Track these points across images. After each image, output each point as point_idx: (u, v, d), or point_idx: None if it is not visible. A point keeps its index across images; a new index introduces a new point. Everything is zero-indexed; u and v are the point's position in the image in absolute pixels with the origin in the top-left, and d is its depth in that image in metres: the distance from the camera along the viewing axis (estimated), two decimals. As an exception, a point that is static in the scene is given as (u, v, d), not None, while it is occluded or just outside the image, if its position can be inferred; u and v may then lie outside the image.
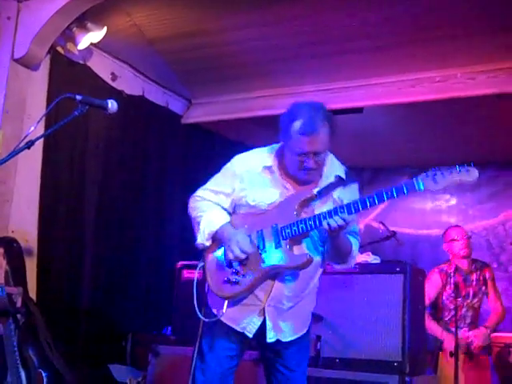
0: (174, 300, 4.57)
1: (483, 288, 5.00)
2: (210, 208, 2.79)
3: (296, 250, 2.66)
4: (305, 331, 2.86)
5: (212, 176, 2.93)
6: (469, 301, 4.95)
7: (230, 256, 2.66)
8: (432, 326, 4.77)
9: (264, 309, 2.70)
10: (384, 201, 2.49)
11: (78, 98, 2.56)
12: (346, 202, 2.58)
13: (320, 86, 5.72)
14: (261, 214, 2.72)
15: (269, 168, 2.75)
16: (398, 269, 3.93)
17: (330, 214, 2.53)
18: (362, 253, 4.43)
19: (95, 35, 4.77)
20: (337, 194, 2.73)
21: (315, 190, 2.69)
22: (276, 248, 2.65)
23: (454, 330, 4.49)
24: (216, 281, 2.71)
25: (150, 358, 4.34)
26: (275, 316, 2.72)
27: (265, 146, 2.90)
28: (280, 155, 2.77)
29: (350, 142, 6.62)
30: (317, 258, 2.73)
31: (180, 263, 4.53)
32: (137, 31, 5.01)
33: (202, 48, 5.20)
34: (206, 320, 2.72)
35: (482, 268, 5.02)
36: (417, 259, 7.03)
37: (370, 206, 2.49)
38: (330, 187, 2.71)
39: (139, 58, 5.51)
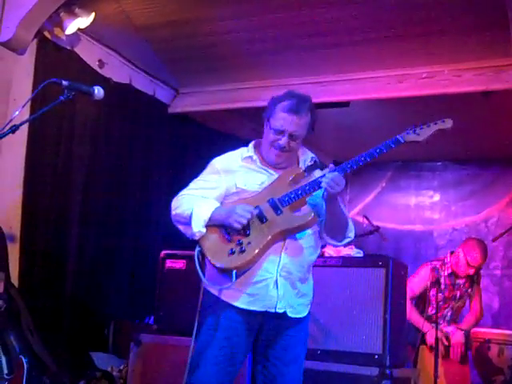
0: (157, 289, 4.57)
1: (469, 290, 5.02)
2: (197, 200, 2.78)
3: (298, 212, 2.70)
4: (306, 314, 2.85)
5: (197, 166, 2.95)
6: (454, 302, 4.98)
7: (235, 224, 2.64)
8: (415, 317, 4.76)
9: (277, 280, 2.70)
10: (376, 157, 2.69)
11: (64, 83, 2.55)
12: None
13: (307, 79, 5.73)
14: (253, 196, 2.74)
15: (250, 157, 2.85)
16: (380, 263, 3.95)
17: (328, 175, 2.61)
18: (345, 246, 4.46)
19: (83, 21, 4.73)
20: (318, 174, 2.78)
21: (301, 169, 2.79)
22: (277, 215, 2.68)
23: (434, 325, 4.53)
24: (221, 256, 2.66)
25: (131, 346, 4.33)
26: (286, 286, 2.72)
27: (250, 136, 2.94)
28: (258, 146, 2.87)
29: (336, 136, 6.65)
30: (314, 228, 2.78)
31: (163, 252, 4.52)
32: (125, 18, 4.97)
33: (191, 37, 5.19)
34: (219, 288, 2.69)
35: (474, 275, 4.99)
36: (400, 254, 7.09)
37: (363, 163, 2.67)
38: (312, 167, 2.78)
39: (127, 45, 5.47)
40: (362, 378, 3.71)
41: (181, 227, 2.80)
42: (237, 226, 2.64)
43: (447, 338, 4.77)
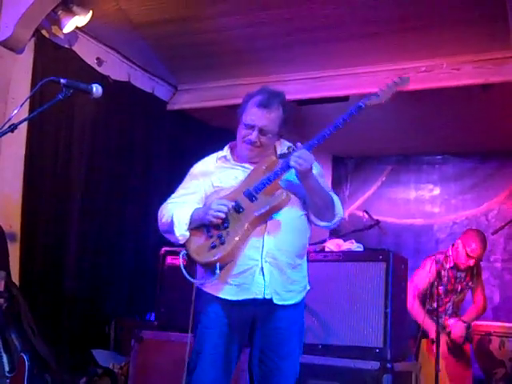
0: (158, 286, 4.58)
1: (470, 283, 5.04)
2: (178, 207, 2.83)
3: (273, 195, 2.73)
4: (296, 301, 2.84)
5: (196, 163, 2.99)
6: (455, 296, 4.99)
7: (213, 219, 2.67)
8: (418, 312, 4.75)
9: (262, 267, 2.72)
10: (340, 127, 2.74)
11: (63, 81, 2.55)
12: None
13: (307, 74, 5.73)
14: (231, 191, 2.79)
15: (223, 157, 2.91)
16: (380, 257, 3.96)
17: (295, 153, 2.66)
18: (345, 241, 4.46)
19: (81, 19, 4.73)
20: None
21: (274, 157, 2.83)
22: (252, 202, 2.71)
23: (435, 318, 4.53)
24: (203, 252, 2.70)
25: (133, 343, 4.34)
26: (274, 273, 2.73)
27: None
28: (233, 147, 2.92)
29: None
30: (299, 211, 2.81)
31: (163, 249, 4.52)
32: (123, 16, 4.96)
33: (189, 34, 5.18)
34: (203, 282, 2.73)
35: (473, 265, 5.00)
36: (400, 248, 7.08)
37: (329, 135, 2.72)
38: (286, 154, 2.79)
39: (125, 43, 5.47)
40: (363, 372, 3.71)
41: (167, 235, 2.86)
42: (215, 220, 2.68)
43: (448, 333, 4.79)
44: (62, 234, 4.96)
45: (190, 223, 2.75)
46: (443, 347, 4.60)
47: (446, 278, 4.88)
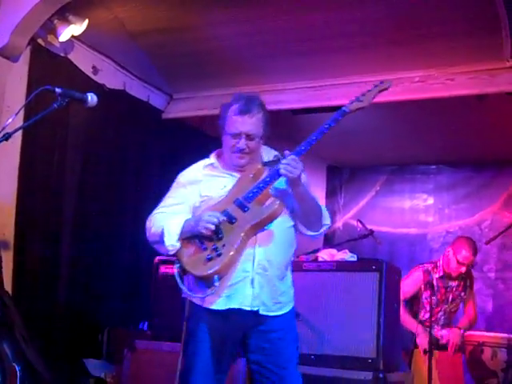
0: (151, 295, 4.57)
1: (462, 294, 5.05)
2: (168, 217, 2.83)
3: (265, 204, 2.73)
4: (284, 312, 2.84)
5: None
6: (446, 306, 5.00)
7: (204, 230, 2.66)
8: (407, 319, 4.77)
9: (253, 278, 2.72)
10: (326, 132, 2.75)
11: (58, 90, 2.56)
12: None
13: (302, 84, 5.74)
14: (219, 201, 2.78)
15: (211, 164, 2.92)
16: (374, 267, 3.97)
17: (283, 161, 2.67)
18: (339, 250, 4.47)
19: (76, 28, 4.74)
20: None
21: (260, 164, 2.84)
22: (245, 212, 2.70)
23: (428, 328, 4.54)
24: (199, 265, 2.69)
25: (125, 352, 4.33)
26: (263, 284, 2.73)
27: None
28: (220, 154, 2.94)
29: (330, 140, 6.64)
30: (288, 223, 2.83)
31: (157, 258, 4.52)
32: (118, 25, 4.98)
33: (184, 43, 5.19)
34: (201, 296, 2.71)
35: (466, 276, 5.03)
36: (394, 258, 7.10)
37: (315, 141, 2.73)
38: (273, 162, 2.81)
39: (121, 51, 5.48)
40: (356, 383, 3.72)
41: (156, 246, 2.86)
42: (206, 232, 2.67)
43: (439, 345, 4.79)
44: (56, 243, 4.94)
45: (181, 234, 2.74)
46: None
47: (435, 288, 4.90)
